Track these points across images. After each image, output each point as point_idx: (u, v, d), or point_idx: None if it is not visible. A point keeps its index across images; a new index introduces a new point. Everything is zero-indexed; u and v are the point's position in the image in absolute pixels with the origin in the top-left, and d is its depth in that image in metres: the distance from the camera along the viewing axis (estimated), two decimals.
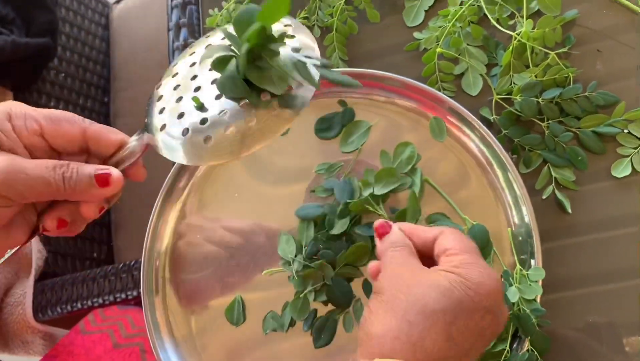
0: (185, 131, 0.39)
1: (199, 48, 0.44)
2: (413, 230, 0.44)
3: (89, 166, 0.38)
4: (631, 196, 0.50)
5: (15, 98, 0.91)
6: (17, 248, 0.39)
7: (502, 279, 0.49)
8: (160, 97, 0.42)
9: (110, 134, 0.40)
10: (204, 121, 0.39)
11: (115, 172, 0.38)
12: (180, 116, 0.40)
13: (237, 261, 0.56)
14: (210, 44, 0.43)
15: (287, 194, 0.56)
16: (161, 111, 0.41)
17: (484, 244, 0.50)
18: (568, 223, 0.51)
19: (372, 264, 0.45)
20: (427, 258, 0.43)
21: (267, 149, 0.57)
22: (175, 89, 0.42)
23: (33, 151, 0.39)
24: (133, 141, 0.41)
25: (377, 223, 0.45)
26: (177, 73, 0.43)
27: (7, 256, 0.39)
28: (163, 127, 0.40)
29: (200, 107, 0.40)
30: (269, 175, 0.57)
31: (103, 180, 0.38)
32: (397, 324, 0.37)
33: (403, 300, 0.38)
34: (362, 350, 0.38)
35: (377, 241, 0.45)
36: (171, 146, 0.40)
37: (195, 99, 0.40)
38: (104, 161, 0.41)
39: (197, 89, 0.41)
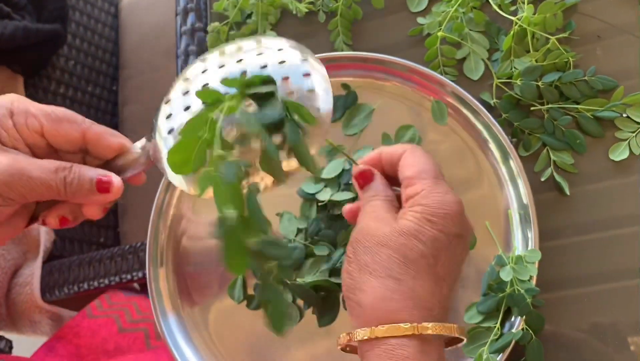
0: None
1: (211, 55, 0.42)
2: (381, 154, 0.43)
3: (90, 171, 0.38)
4: (629, 180, 0.51)
5: (26, 84, 0.92)
6: None
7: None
8: (169, 115, 0.40)
9: (110, 138, 0.39)
10: None
11: (116, 180, 0.38)
12: None
13: None
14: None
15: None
16: (170, 131, 0.40)
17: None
18: (566, 206, 0.52)
19: (348, 207, 0.44)
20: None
21: None
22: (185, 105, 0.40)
23: (33, 148, 0.39)
24: (137, 149, 0.40)
25: (357, 170, 0.43)
26: (188, 78, 0.42)
27: None
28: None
29: None
30: None
31: (104, 187, 0.38)
32: (383, 284, 0.36)
33: (382, 259, 0.37)
34: (357, 319, 0.38)
35: (358, 190, 0.43)
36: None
37: None
38: (106, 164, 0.40)
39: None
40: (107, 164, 0.40)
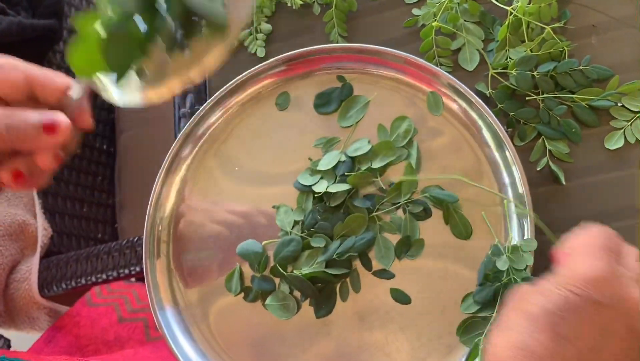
0: None
1: None
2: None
3: (34, 114, 0.36)
4: (624, 169, 0.51)
5: None
6: None
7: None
8: None
9: (55, 78, 0.38)
10: None
11: (62, 117, 0.36)
12: None
13: (237, 237, 0.56)
14: None
15: (286, 171, 0.57)
16: None
17: None
18: (561, 195, 0.52)
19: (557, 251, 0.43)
20: None
21: (266, 125, 0.58)
22: None
23: None
24: (74, 83, 0.38)
25: (554, 251, 0.43)
26: None
27: None
28: None
29: None
30: (267, 151, 0.58)
31: (50, 127, 0.36)
32: (502, 336, 0.37)
33: (509, 314, 0.38)
34: None
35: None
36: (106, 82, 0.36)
37: None
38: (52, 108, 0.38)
39: None
40: (52, 108, 0.38)
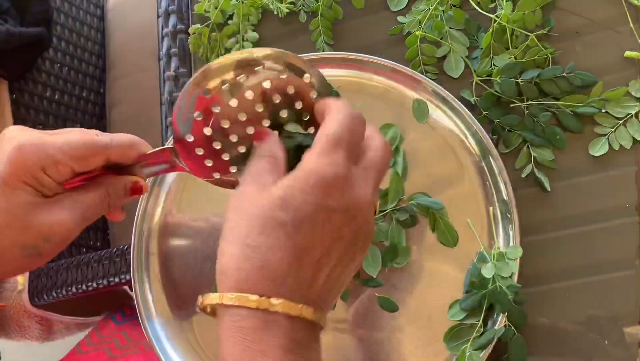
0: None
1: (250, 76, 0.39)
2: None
3: (120, 182, 0.44)
4: (608, 175, 0.51)
5: (11, 87, 0.92)
6: None
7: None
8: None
9: (129, 152, 0.43)
10: None
11: (143, 183, 0.45)
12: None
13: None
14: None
15: None
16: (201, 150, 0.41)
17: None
18: (547, 201, 0.52)
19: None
20: None
21: None
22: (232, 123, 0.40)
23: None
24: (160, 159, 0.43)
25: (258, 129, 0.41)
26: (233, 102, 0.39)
27: None
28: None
29: None
30: None
31: (135, 191, 0.44)
32: (239, 252, 0.34)
33: (244, 225, 0.35)
34: (219, 288, 0.36)
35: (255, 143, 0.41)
36: None
37: None
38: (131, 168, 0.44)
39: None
40: (134, 170, 0.45)
